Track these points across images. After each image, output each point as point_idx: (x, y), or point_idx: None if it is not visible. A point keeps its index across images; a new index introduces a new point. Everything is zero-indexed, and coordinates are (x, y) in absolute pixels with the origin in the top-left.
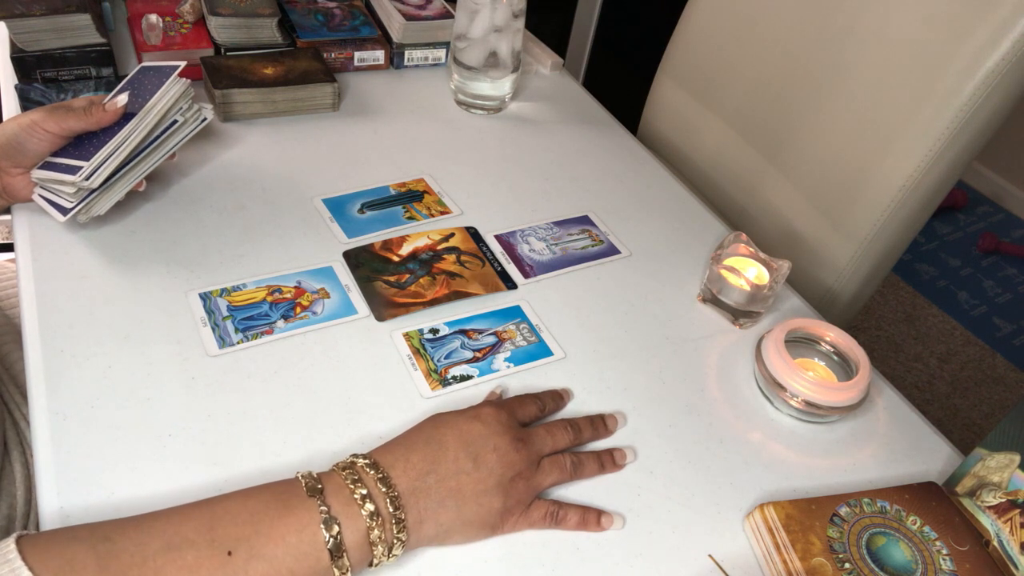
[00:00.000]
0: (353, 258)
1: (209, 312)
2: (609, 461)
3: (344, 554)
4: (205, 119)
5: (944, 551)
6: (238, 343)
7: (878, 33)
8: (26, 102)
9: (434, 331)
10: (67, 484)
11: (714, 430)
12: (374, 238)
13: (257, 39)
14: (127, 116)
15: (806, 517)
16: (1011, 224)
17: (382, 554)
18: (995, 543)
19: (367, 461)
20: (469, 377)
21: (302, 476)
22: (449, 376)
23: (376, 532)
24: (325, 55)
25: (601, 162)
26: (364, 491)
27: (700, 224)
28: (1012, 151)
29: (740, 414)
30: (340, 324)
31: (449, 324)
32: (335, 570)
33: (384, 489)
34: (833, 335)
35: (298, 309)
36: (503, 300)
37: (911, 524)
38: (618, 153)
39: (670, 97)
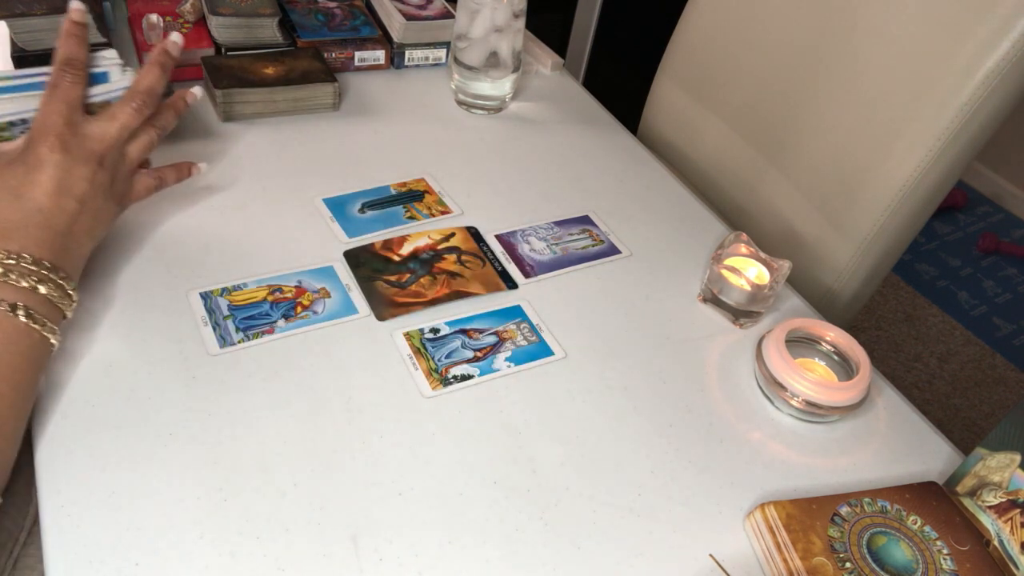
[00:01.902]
0: (354, 258)
1: (210, 311)
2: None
3: (37, 315)
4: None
5: (945, 551)
6: (239, 342)
7: (878, 33)
8: None
9: (435, 331)
10: (67, 484)
11: (714, 430)
12: (375, 238)
13: (258, 39)
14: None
15: (807, 517)
16: (1011, 224)
17: (60, 298)
18: (996, 543)
19: None
20: (470, 377)
21: None
22: (450, 375)
23: (41, 287)
24: (326, 55)
25: (601, 162)
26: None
27: (700, 224)
28: (1012, 151)
29: (740, 414)
30: (341, 324)
31: (450, 324)
32: (47, 335)
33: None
34: (833, 335)
35: (299, 308)
36: (504, 300)
37: (912, 524)
38: (618, 153)
39: (670, 97)
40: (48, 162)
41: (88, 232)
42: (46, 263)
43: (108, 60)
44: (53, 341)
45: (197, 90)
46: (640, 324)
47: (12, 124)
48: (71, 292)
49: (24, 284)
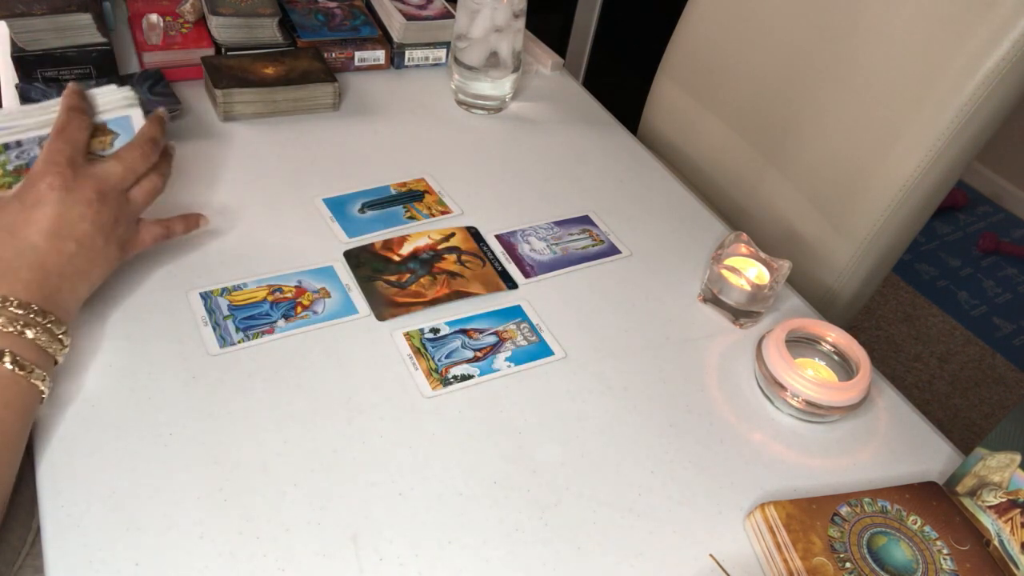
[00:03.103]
0: (354, 258)
1: (210, 311)
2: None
3: (24, 361)
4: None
5: (945, 551)
6: (239, 342)
7: (878, 33)
8: (27, 101)
9: (435, 331)
10: (68, 483)
11: (714, 430)
12: (375, 238)
13: (258, 39)
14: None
15: (807, 517)
16: (1011, 224)
17: (48, 342)
18: (996, 543)
19: None
20: (470, 376)
21: None
22: (450, 375)
23: (28, 331)
24: (326, 55)
25: (601, 162)
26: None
27: (700, 224)
28: (1012, 151)
29: (740, 414)
30: (341, 323)
31: (450, 324)
32: (36, 383)
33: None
34: (833, 335)
35: (299, 308)
36: (504, 300)
37: (912, 524)
38: (618, 153)
39: (670, 97)
40: (47, 200)
41: (84, 275)
42: (34, 306)
43: (119, 100)
44: (43, 388)
45: (161, 110)
46: (640, 324)
47: (7, 147)
48: (61, 337)
49: (10, 329)
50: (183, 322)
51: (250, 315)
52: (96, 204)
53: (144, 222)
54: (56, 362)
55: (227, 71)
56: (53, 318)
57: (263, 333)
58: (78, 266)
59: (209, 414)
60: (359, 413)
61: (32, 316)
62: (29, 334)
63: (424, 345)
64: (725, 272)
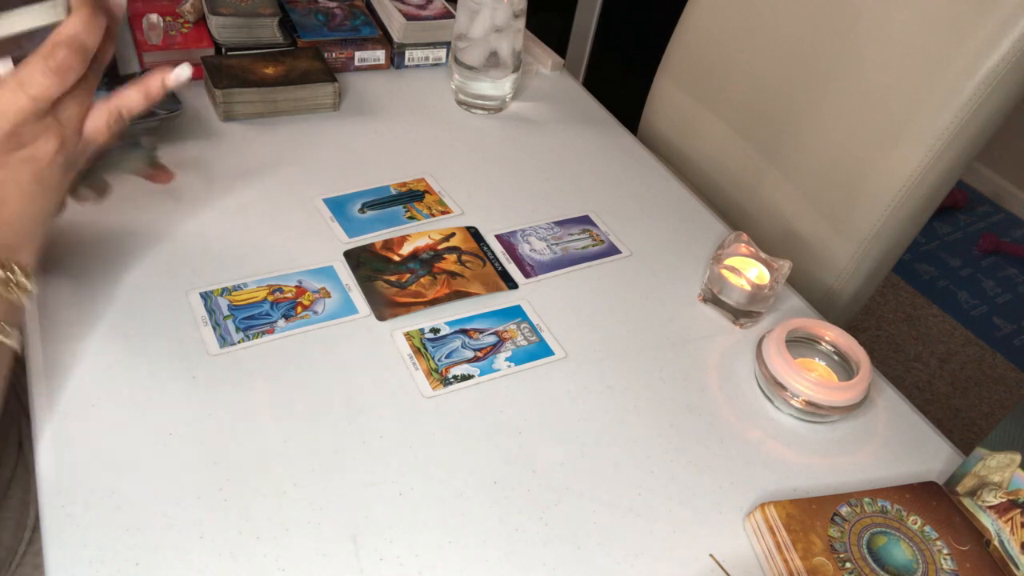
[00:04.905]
0: (354, 258)
1: (210, 311)
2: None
3: None
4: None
5: (945, 551)
6: (239, 342)
7: (878, 33)
8: None
9: (435, 330)
10: (68, 483)
11: (715, 430)
12: (375, 238)
13: (258, 39)
14: None
15: (807, 516)
16: (1011, 224)
17: (4, 286)
18: (996, 543)
19: None
20: (470, 376)
21: None
22: (450, 375)
23: None
24: (326, 55)
25: (601, 162)
26: None
27: (700, 224)
28: (1012, 151)
29: (741, 414)
30: (341, 323)
31: (450, 324)
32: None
33: None
34: (833, 335)
35: (299, 308)
36: (504, 300)
37: (912, 524)
38: (618, 153)
39: (670, 97)
40: None
41: (24, 216)
42: None
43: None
44: (9, 342)
45: (184, 68)
46: (640, 324)
47: None
48: (16, 278)
49: None
50: (183, 322)
51: (250, 315)
52: (6, 145)
53: (89, 119)
54: (21, 307)
55: (227, 71)
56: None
57: (263, 333)
58: (9, 213)
59: (209, 414)
60: (359, 413)
61: None
62: None
63: (424, 345)
64: (725, 272)
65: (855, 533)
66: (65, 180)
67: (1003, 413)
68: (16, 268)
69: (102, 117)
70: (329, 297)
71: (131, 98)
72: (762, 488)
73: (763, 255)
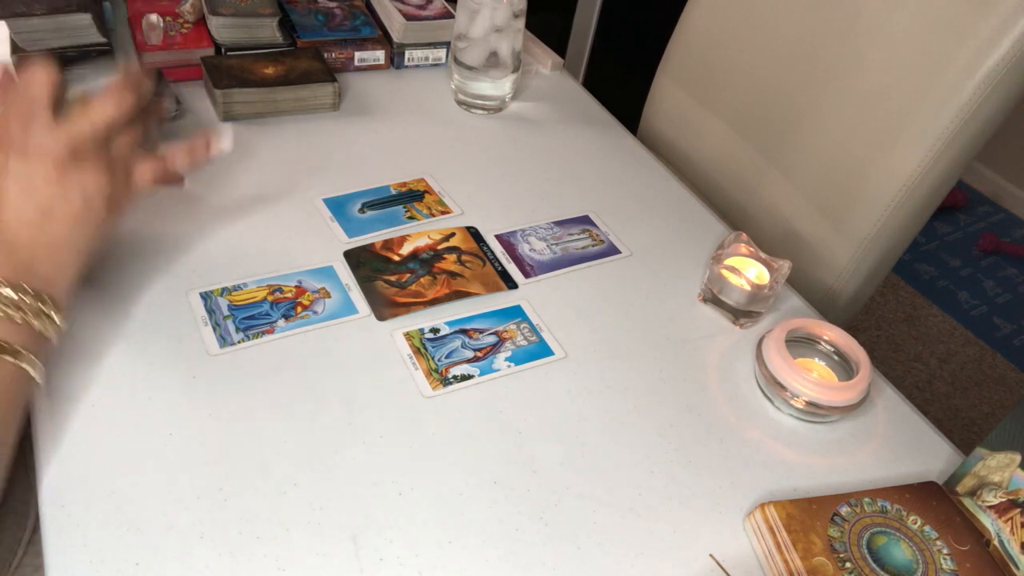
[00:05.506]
0: (354, 258)
1: (210, 311)
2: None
3: (9, 345)
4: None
5: (945, 551)
6: (239, 342)
7: (878, 33)
8: None
9: (435, 331)
10: (68, 483)
11: (714, 430)
12: (375, 238)
13: (258, 39)
14: None
15: (807, 517)
16: (1011, 224)
17: (35, 316)
18: (996, 543)
19: None
20: (470, 376)
21: None
22: (450, 375)
23: (8, 311)
24: (325, 55)
25: (601, 162)
26: None
27: (700, 224)
28: (1012, 151)
29: (741, 414)
30: (341, 323)
31: (450, 324)
32: (23, 365)
33: None
34: (833, 335)
35: (299, 308)
36: (504, 300)
37: (912, 524)
38: (618, 153)
39: (670, 97)
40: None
41: (65, 243)
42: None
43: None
44: (32, 373)
45: (227, 140)
46: (640, 324)
47: None
48: (48, 312)
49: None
50: (183, 322)
51: (250, 315)
52: (65, 164)
53: (138, 167)
54: (48, 340)
55: (227, 71)
56: (31, 292)
57: (263, 333)
58: (54, 234)
59: (209, 414)
60: (359, 413)
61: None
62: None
63: (424, 345)
64: (725, 272)
65: (855, 533)
66: (109, 219)
67: (1003, 413)
68: (49, 300)
69: (149, 167)
70: (329, 297)
71: (179, 158)
72: (762, 488)
73: (763, 255)
